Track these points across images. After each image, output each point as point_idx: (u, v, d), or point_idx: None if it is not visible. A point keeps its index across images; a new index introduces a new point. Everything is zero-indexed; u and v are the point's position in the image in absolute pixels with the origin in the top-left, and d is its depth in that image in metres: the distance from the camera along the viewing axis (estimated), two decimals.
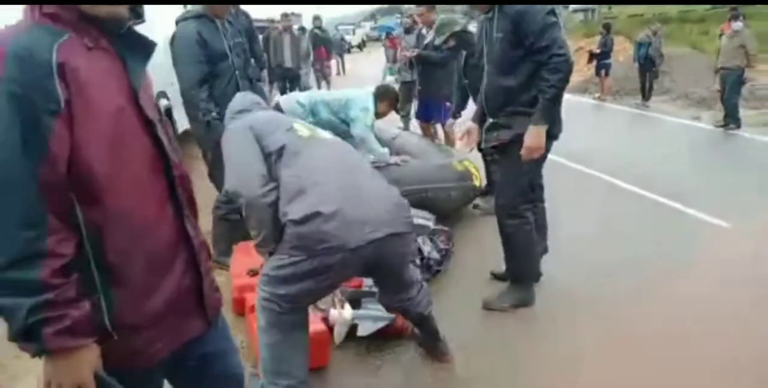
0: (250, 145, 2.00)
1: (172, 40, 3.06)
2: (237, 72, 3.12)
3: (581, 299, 2.96)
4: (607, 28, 11.22)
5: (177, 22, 3.11)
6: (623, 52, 13.60)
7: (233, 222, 3.14)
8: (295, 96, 4.11)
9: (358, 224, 1.83)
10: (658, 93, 10.61)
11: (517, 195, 2.78)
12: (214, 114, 2.96)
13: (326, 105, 3.86)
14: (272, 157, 1.97)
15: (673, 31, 15.73)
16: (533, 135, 2.55)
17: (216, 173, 3.14)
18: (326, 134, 2.26)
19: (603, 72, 11.01)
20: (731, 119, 7.65)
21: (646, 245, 3.65)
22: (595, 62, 11.17)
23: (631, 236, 3.87)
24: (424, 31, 5.53)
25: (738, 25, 7.65)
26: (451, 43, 4.46)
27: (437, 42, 4.55)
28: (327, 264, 1.82)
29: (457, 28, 4.41)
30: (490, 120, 2.80)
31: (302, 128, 2.16)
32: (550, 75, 2.44)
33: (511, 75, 2.60)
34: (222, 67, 3.05)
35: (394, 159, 3.90)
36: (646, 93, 10.17)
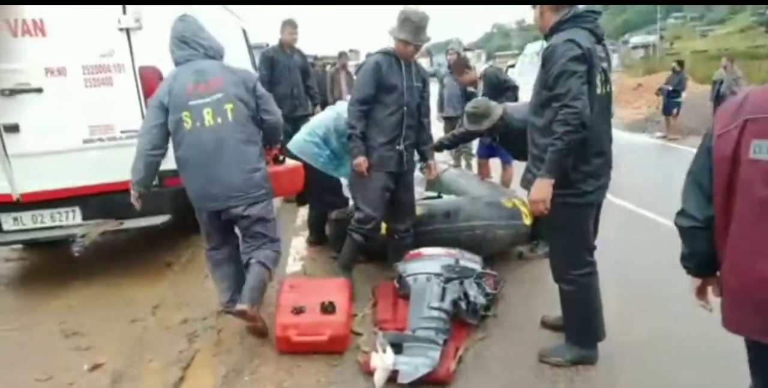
0: None
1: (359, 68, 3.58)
2: (405, 108, 3.42)
3: (654, 363, 2.72)
4: (681, 64, 10.94)
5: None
6: (686, 89, 13.22)
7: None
8: (301, 136, 3.89)
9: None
10: None
11: (564, 259, 2.64)
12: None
13: (334, 132, 3.81)
14: None
15: (740, 67, 15.19)
16: (536, 188, 2.43)
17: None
18: None
19: (674, 111, 10.66)
20: None
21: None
22: (663, 100, 10.84)
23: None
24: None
25: None
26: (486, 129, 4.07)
27: (471, 128, 4.11)
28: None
29: (487, 126, 3.97)
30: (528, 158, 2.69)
31: None
32: (558, 126, 2.32)
33: (538, 115, 2.52)
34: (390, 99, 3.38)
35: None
36: None
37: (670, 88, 10.55)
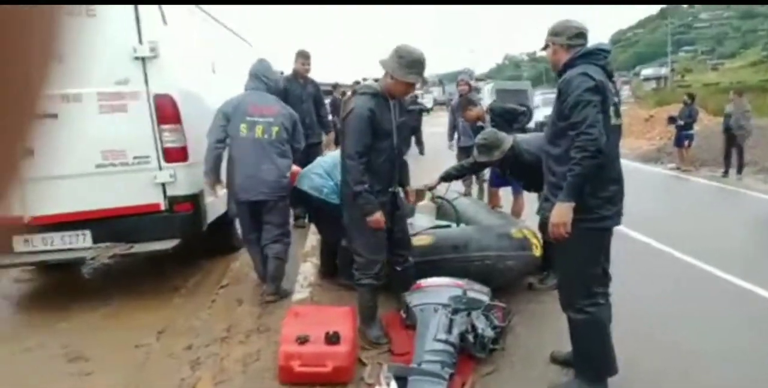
0: None
1: (348, 114, 3.13)
2: (396, 150, 3.24)
3: None
4: (691, 97, 10.97)
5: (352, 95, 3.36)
6: (699, 121, 13.22)
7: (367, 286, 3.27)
8: (309, 173, 4.07)
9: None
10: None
11: (574, 289, 2.62)
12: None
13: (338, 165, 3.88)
14: None
15: (752, 100, 15.19)
16: (557, 211, 2.48)
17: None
18: None
19: (686, 142, 10.65)
20: None
21: (729, 333, 3.34)
22: (675, 132, 10.86)
23: (715, 321, 3.56)
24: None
25: None
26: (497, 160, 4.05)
27: (482, 159, 4.07)
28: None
29: (497, 156, 3.94)
30: (545, 186, 2.74)
31: None
32: (576, 153, 2.41)
33: (555, 145, 2.60)
34: (384, 144, 3.14)
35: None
36: (728, 166, 9.72)
37: (682, 122, 10.55)
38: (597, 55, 2.56)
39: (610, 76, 2.59)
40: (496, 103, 5.78)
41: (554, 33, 2.67)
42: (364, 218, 3.10)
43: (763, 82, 21.22)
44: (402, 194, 3.58)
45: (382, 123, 3.10)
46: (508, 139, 3.98)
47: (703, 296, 4.05)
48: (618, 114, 2.64)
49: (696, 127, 11.01)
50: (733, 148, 9.60)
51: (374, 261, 3.22)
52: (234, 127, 3.81)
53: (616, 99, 2.61)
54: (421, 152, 12.56)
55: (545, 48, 2.75)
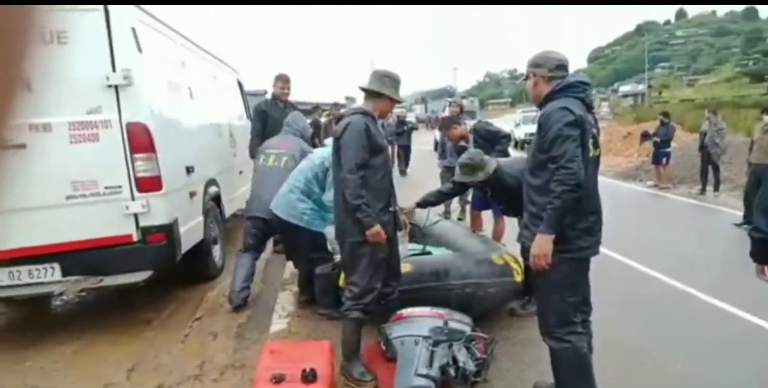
0: None
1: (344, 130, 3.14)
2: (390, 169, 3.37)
3: None
4: (666, 116, 11.13)
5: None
6: (676, 138, 13.43)
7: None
8: (283, 196, 4.10)
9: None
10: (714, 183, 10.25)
11: (552, 317, 2.61)
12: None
13: (313, 179, 4.02)
14: None
15: (727, 116, 15.53)
16: (537, 243, 2.50)
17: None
18: None
19: (664, 160, 10.78)
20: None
21: (712, 354, 3.32)
22: (653, 150, 10.99)
23: (708, 350, 3.51)
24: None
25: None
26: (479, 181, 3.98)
27: (465, 179, 3.99)
28: None
29: (482, 178, 3.88)
30: (524, 214, 2.75)
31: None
32: (555, 186, 2.44)
33: (535, 176, 2.62)
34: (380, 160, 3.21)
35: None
36: (705, 183, 9.84)
37: (658, 139, 10.68)
38: (576, 88, 2.59)
39: (589, 108, 2.63)
40: (480, 125, 5.84)
41: (535, 64, 2.68)
42: (362, 241, 3.05)
43: (736, 98, 21.71)
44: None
45: (377, 138, 3.17)
46: (492, 162, 3.94)
47: (680, 318, 4.05)
48: (596, 145, 2.67)
49: (673, 144, 11.16)
50: (709, 165, 9.73)
51: (370, 290, 3.12)
52: (260, 157, 4.76)
53: (594, 130, 2.64)
54: (403, 173, 12.55)
55: (526, 78, 2.78)
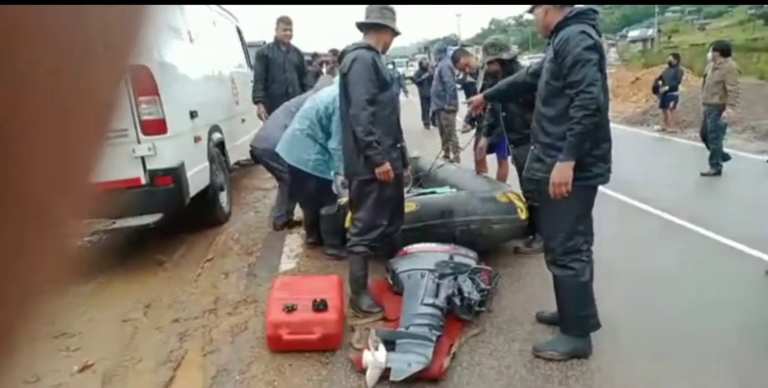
0: None
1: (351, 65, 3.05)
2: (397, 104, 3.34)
3: (649, 353, 2.69)
4: (676, 57, 10.84)
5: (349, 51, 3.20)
6: (685, 82, 13.15)
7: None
8: (289, 136, 4.11)
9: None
10: None
11: (559, 244, 2.65)
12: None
13: (318, 123, 3.92)
14: None
15: (738, 59, 15.14)
16: (558, 170, 2.50)
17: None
18: None
19: (671, 104, 10.57)
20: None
21: (713, 292, 3.39)
22: (660, 93, 10.78)
23: (701, 281, 3.58)
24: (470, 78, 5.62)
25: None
26: (494, 67, 4.32)
27: (490, 58, 4.29)
28: None
29: (506, 56, 4.25)
30: (532, 148, 2.74)
31: None
32: (575, 112, 2.43)
33: (549, 105, 2.60)
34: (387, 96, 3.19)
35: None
36: None
37: (667, 87, 10.44)
38: (589, 15, 2.56)
39: (599, 35, 2.60)
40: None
41: None
42: (371, 178, 3.06)
43: (749, 41, 21.12)
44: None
45: (384, 73, 3.14)
46: (515, 50, 4.29)
47: (681, 250, 4.12)
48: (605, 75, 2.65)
49: (681, 88, 10.94)
50: None
51: (376, 226, 3.16)
52: None
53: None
54: (428, 126, 12.18)
55: (531, 11, 2.71)
